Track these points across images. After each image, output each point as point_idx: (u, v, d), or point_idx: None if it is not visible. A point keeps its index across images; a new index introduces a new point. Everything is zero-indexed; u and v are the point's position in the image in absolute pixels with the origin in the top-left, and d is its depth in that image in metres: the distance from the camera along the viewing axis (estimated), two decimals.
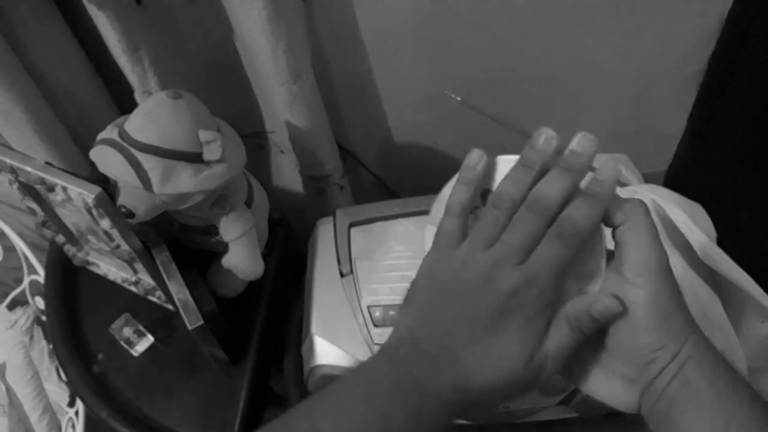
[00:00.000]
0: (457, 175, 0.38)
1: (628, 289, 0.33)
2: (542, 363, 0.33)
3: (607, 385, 0.35)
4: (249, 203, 0.74)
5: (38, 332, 1.08)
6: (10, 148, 0.67)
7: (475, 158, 0.37)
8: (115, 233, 0.65)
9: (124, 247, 0.68)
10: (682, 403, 0.33)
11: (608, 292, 0.34)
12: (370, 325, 0.65)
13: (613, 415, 0.71)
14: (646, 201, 0.62)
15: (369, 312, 0.65)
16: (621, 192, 0.65)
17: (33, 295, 1.07)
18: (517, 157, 0.36)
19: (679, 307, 0.34)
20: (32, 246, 1.02)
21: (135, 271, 0.74)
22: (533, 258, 0.33)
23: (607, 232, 0.36)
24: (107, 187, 0.63)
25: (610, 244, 0.36)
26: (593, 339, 0.35)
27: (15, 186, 0.68)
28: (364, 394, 0.33)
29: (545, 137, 0.35)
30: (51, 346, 1.05)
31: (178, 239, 0.79)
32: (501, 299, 0.32)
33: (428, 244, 0.38)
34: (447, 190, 0.38)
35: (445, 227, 0.36)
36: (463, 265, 0.34)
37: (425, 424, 0.33)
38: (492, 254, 0.33)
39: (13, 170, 0.65)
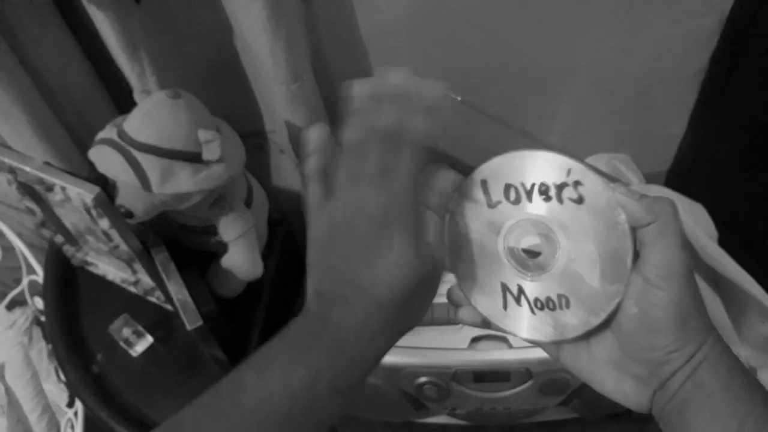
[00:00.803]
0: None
1: (649, 290, 0.33)
2: (428, 250, 0.35)
3: (618, 384, 0.35)
4: (248, 203, 0.74)
5: (37, 332, 1.08)
6: (9, 147, 0.67)
7: (312, 134, 0.38)
8: (113, 233, 0.65)
9: (123, 247, 0.68)
10: (696, 405, 0.33)
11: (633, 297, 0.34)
12: None
13: (612, 416, 0.71)
14: None
15: None
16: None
17: (32, 296, 1.07)
18: (526, 152, 0.36)
19: (698, 310, 0.33)
20: (31, 246, 1.02)
21: (134, 272, 0.74)
22: (393, 177, 0.35)
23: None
24: (106, 186, 0.63)
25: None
26: (606, 335, 0.36)
27: (14, 186, 0.68)
28: (283, 351, 0.34)
29: (356, 85, 0.37)
30: (50, 346, 1.05)
31: (177, 239, 0.79)
32: (374, 217, 0.34)
33: None
34: None
35: (308, 194, 0.37)
36: (333, 209, 0.36)
37: (351, 362, 0.34)
38: (357, 188, 0.35)
39: (12, 170, 0.65)
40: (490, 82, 0.78)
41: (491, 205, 0.37)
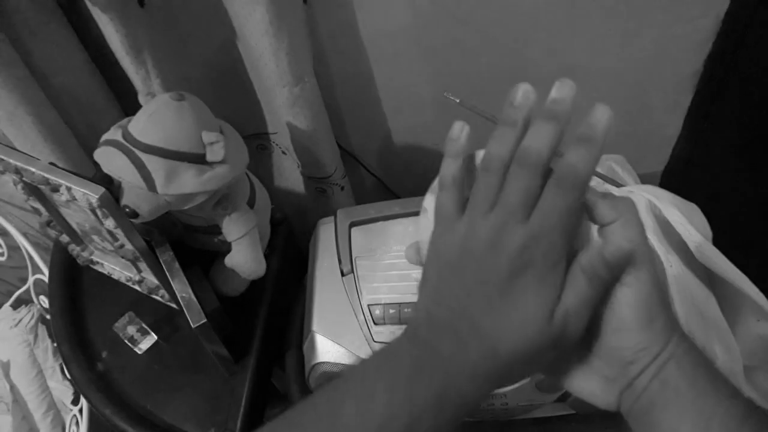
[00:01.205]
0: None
1: (615, 287, 0.33)
2: (565, 318, 0.32)
3: (586, 383, 0.35)
4: (251, 203, 0.74)
5: (42, 331, 1.08)
6: (15, 149, 0.68)
7: (457, 130, 0.35)
8: (119, 233, 0.66)
9: (128, 246, 0.68)
10: (662, 403, 0.32)
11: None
12: (371, 323, 0.65)
13: (609, 412, 0.72)
14: (642, 201, 0.62)
15: (369, 310, 0.66)
16: (615, 191, 0.65)
17: (37, 294, 1.07)
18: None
19: (664, 308, 0.33)
20: (36, 245, 1.03)
21: (139, 270, 0.75)
22: (536, 213, 0.32)
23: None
24: (111, 187, 0.64)
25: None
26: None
27: (20, 186, 0.68)
28: (386, 377, 0.32)
29: (522, 91, 0.33)
30: (55, 344, 1.05)
31: (181, 239, 0.79)
32: (510, 260, 0.31)
33: (423, 234, 0.38)
34: (437, 182, 0.38)
35: (441, 202, 0.35)
36: (466, 235, 0.33)
37: (453, 403, 0.32)
38: (493, 218, 0.32)
39: (17, 171, 0.66)
40: (488, 84, 0.79)
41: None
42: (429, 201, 0.38)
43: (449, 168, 0.35)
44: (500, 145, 0.33)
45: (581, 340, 0.34)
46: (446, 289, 0.34)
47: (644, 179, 0.76)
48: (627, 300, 0.33)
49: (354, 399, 0.32)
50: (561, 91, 0.32)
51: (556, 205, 0.31)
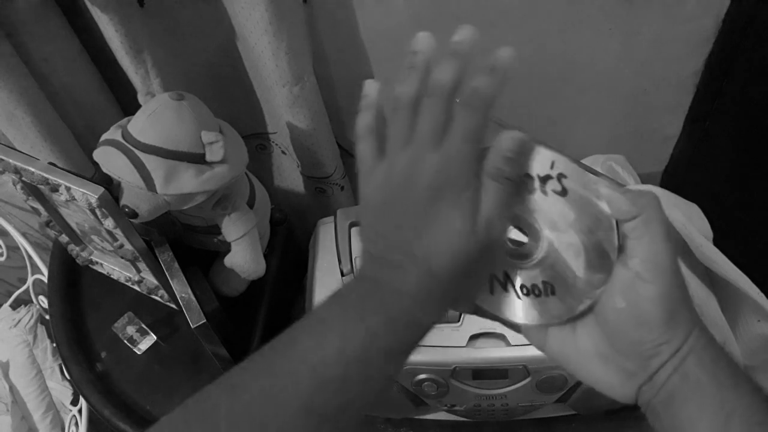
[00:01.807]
0: None
1: (637, 283, 0.33)
2: (487, 224, 0.33)
3: (604, 376, 0.35)
4: (251, 203, 0.74)
5: (42, 331, 1.08)
6: (14, 149, 0.68)
7: (368, 88, 0.38)
8: (118, 233, 0.66)
9: (128, 246, 0.68)
10: (683, 397, 0.32)
11: (619, 289, 0.34)
12: None
13: (610, 413, 0.72)
14: None
15: None
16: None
17: (36, 294, 1.08)
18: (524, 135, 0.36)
19: (685, 302, 0.33)
20: (36, 245, 1.03)
21: (138, 271, 0.75)
22: (446, 138, 0.33)
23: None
24: (110, 187, 0.64)
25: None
26: (593, 328, 0.35)
27: (19, 186, 0.68)
28: (338, 312, 0.34)
29: (422, 38, 0.36)
30: (54, 344, 1.05)
31: (180, 239, 0.79)
32: (428, 185, 0.33)
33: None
34: None
35: (360, 152, 0.36)
36: (386, 173, 0.35)
37: (404, 324, 0.33)
38: (409, 151, 0.34)
39: (17, 171, 0.66)
40: None
41: None
42: None
43: (363, 119, 0.37)
44: (406, 86, 0.35)
45: (601, 336, 0.35)
46: (379, 227, 0.35)
47: (645, 179, 0.77)
48: (649, 295, 0.33)
49: (309, 333, 0.34)
50: (462, 34, 0.35)
51: (463, 127, 0.33)
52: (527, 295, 0.37)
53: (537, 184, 0.35)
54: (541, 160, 0.35)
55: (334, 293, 0.36)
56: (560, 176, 0.35)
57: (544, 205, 0.35)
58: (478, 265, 0.34)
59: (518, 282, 0.37)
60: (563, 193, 0.35)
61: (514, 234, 0.37)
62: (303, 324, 0.35)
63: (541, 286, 0.36)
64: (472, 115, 0.33)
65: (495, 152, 0.34)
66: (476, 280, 0.36)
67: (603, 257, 0.35)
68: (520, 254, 0.37)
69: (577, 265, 0.35)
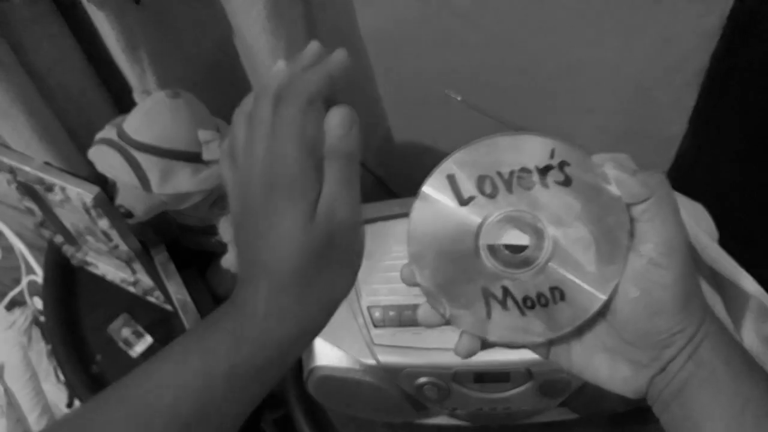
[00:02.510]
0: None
1: (651, 270, 0.31)
2: (328, 208, 0.32)
3: (613, 372, 0.33)
4: None
5: (37, 333, 1.08)
6: (9, 147, 0.67)
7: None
8: (113, 233, 0.65)
9: (123, 247, 0.67)
10: (697, 384, 0.31)
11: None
12: (370, 326, 0.65)
13: (613, 416, 0.71)
14: None
15: (369, 312, 0.65)
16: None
17: (31, 296, 1.07)
18: (500, 138, 0.34)
19: (698, 288, 0.32)
20: (31, 246, 1.02)
21: (133, 272, 0.74)
22: (272, 131, 0.32)
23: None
24: (106, 186, 0.63)
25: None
26: (597, 324, 0.34)
27: (14, 186, 0.68)
28: (183, 337, 0.33)
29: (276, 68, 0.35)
30: (49, 346, 1.05)
31: (177, 239, 0.79)
32: (259, 180, 0.32)
33: (418, 226, 0.37)
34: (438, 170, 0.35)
35: (221, 170, 0.36)
36: (232, 183, 0.34)
37: (256, 344, 0.32)
38: (245, 154, 0.33)
39: (11, 170, 0.65)
40: (489, 81, 0.78)
41: (463, 202, 0.34)
42: (429, 187, 0.35)
43: (223, 143, 0.36)
44: (248, 100, 0.35)
45: (608, 330, 0.33)
46: (237, 241, 0.34)
47: None
48: (664, 282, 0.31)
49: (162, 359, 0.33)
50: (308, 48, 0.36)
51: (285, 115, 0.32)
52: (532, 307, 0.33)
53: (536, 177, 0.33)
54: (539, 150, 0.33)
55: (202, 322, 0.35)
56: (562, 164, 0.32)
57: (546, 199, 0.33)
58: (330, 262, 0.33)
59: (520, 295, 0.33)
60: (567, 182, 0.32)
61: (513, 238, 0.33)
62: (160, 353, 0.33)
63: (548, 293, 0.33)
64: (291, 103, 0.32)
65: (327, 130, 0.33)
66: (334, 280, 0.35)
67: (615, 246, 0.32)
68: (520, 262, 0.33)
69: (587, 260, 0.32)
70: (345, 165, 0.33)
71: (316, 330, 0.34)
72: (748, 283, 0.63)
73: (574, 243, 0.33)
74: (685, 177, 0.86)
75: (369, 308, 0.65)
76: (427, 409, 0.70)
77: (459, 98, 0.51)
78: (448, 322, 0.34)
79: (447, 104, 0.51)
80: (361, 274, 0.71)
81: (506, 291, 0.33)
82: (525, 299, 0.33)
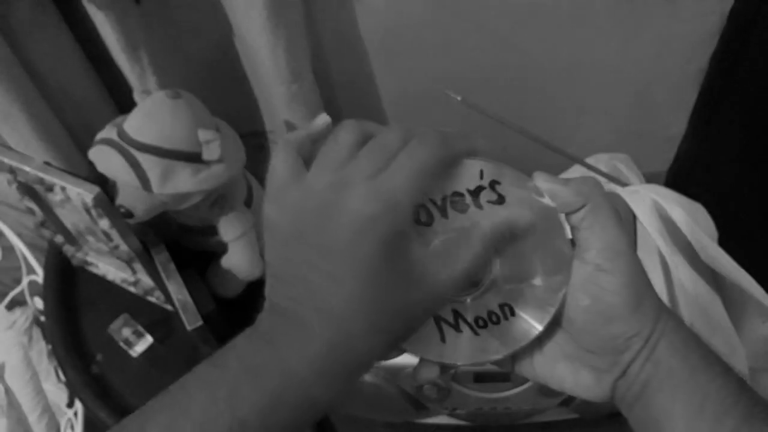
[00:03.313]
0: None
1: (597, 276, 0.31)
2: (430, 277, 0.29)
3: (576, 379, 0.33)
4: (248, 203, 0.74)
5: (37, 333, 1.08)
6: (9, 147, 0.67)
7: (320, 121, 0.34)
8: (114, 233, 0.65)
9: (123, 247, 0.67)
10: (656, 384, 0.31)
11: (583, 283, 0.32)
12: None
13: (612, 416, 0.71)
14: (647, 201, 0.62)
15: None
16: (620, 191, 0.65)
17: (32, 296, 1.07)
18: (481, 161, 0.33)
19: (649, 288, 0.32)
20: (31, 246, 1.02)
21: (134, 272, 0.74)
22: (389, 167, 0.28)
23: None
24: (106, 186, 0.63)
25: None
26: (555, 334, 0.34)
27: (14, 186, 0.68)
28: (207, 382, 0.28)
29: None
30: (50, 346, 1.05)
31: (177, 239, 0.79)
32: (351, 223, 0.27)
33: None
34: None
35: (272, 167, 0.30)
36: (302, 196, 0.28)
37: (292, 406, 0.27)
38: (337, 175, 0.28)
39: (11, 170, 0.65)
40: (489, 81, 0.78)
41: None
42: None
43: (293, 134, 0.31)
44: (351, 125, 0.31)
45: (566, 338, 0.33)
46: (284, 268, 0.29)
47: (649, 178, 0.76)
48: (613, 287, 0.31)
49: (164, 410, 0.29)
50: (321, 119, 0.33)
51: (417, 157, 0.28)
52: (484, 326, 0.33)
53: (469, 199, 0.32)
54: (468, 173, 0.32)
55: (215, 355, 0.29)
56: (493, 183, 0.32)
57: (482, 220, 0.32)
58: (408, 334, 0.30)
59: (471, 316, 0.33)
60: (500, 200, 0.32)
61: None
62: (163, 399, 0.29)
63: (498, 311, 0.33)
64: (429, 149, 0.29)
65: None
66: (398, 343, 0.31)
67: (558, 257, 0.33)
68: (467, 285, 0.33)
69: (532, 274, 0.33)
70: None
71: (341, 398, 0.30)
72: (747, 283, 0.63)
73: (517, 259, 0.33)
74: (685, 177, 0.86)
75: None
76: (427, 408, 0.70)
77: (459, 98, 0.51)
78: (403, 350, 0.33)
79: (447, 104, 0.51)
80: None
81: (457, 314, 0.33)
82: (477, 319, 0.33)
